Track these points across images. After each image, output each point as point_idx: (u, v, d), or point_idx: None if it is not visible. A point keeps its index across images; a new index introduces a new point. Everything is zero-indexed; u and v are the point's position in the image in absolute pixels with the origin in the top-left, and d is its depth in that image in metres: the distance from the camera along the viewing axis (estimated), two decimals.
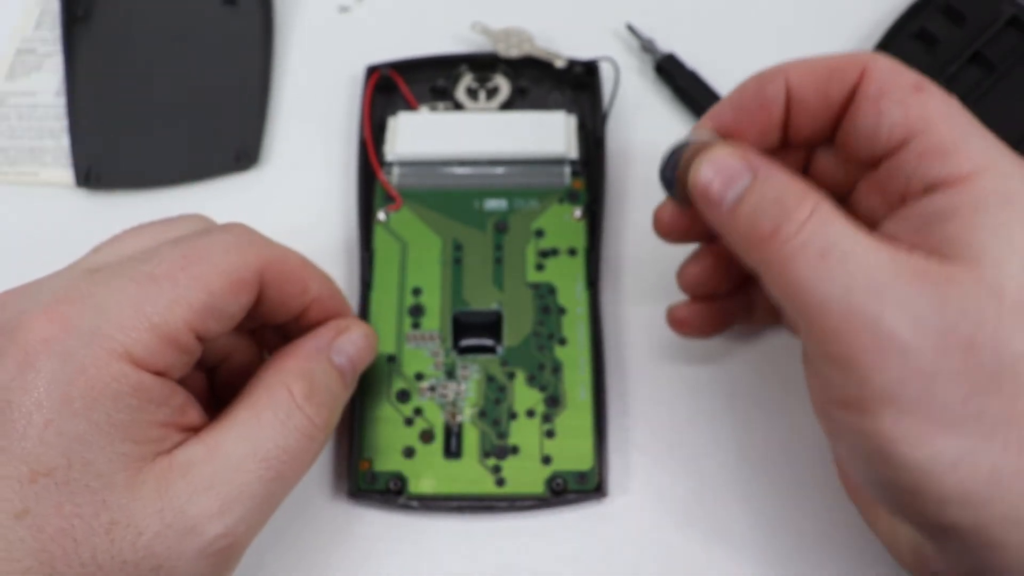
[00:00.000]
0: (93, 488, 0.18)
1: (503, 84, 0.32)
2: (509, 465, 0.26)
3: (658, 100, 0.33)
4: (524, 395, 0.27)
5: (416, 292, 0.28)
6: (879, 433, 0.18)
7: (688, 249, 0.26)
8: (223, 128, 0.32)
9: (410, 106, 0.32)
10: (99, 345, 0.18)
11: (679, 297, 0.26)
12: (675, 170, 0.23)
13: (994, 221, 0.18)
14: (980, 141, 0.19)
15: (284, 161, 0.32)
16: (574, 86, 0.32)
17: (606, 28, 0.35)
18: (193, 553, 0.19)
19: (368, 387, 0.27)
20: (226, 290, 0.20)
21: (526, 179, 0.30)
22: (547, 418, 0.26)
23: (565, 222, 0.29)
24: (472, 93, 0.32)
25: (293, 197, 0.31)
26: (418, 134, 0.31)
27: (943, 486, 0.17)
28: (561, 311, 0.28)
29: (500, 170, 0.30)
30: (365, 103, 0.31)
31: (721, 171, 0.21)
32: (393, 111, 0.32)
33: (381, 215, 0.29)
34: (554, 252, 0.29)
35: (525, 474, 0.26)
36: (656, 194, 0.24)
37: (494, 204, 0.30)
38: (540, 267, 0.28)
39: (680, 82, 0.32)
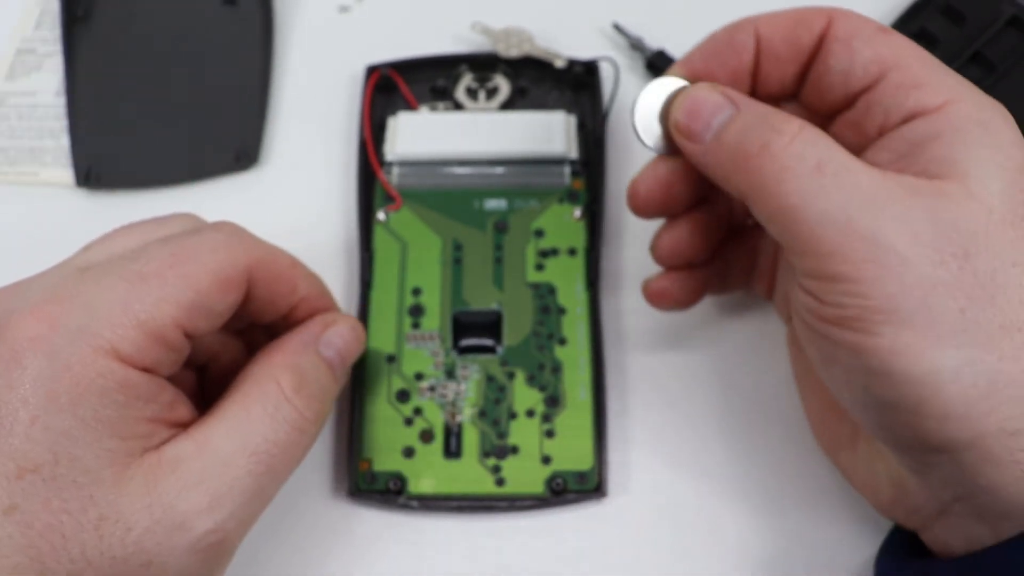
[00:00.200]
0: (80, 484, 0.18)
1: (503, 84, 0.32)
2: (509, 465, 0.26)
3: None
4: (524, 395, 0.27)
5: (416, 292, 0.28)
6: (879, 348, 0.18)
7: None
8: (223, 128, 0.32)
9: (410, 106, 0.32)
10: (85, 342, 0.18)
11: None
12: (663, 119, 0.23)
13: (974, 141, 0.19)
14: (949, 75, 0.20)
15: (284, 161, 0.32)
16: (574, 86, 0.32)
17: (595, 28, 0.35)
18: (183, 549, 0.19)
19: (368, 387, 0.27)
20: (214, 288, 0.20)
21: (526, 179, 0.30)
22: (547, 418, 0.26)
23: (565, 222, 0.29)
24: (472, 93, 0.32)
25: (293, 197, 0.31)
26: (418, 134, 0.31)
27: (944, 399, 0.18)
28: (561, 311, 0.28)
29: (500, 170, 0.30)
30: (365, 103, 0.31)
31: (702, 105, 0.21)
32: (393, 111, 0.32)
33: (381, 215, 0.29)
34: (554, 252, 0.29)
35: (525, 474, 0.26)
36: None
37: (494, 204, 0.30)
38: (540, 267, 0.28)
39: None
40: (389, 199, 0.30)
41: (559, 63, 0.32)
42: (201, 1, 0.34)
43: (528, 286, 0.28)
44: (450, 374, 0.27)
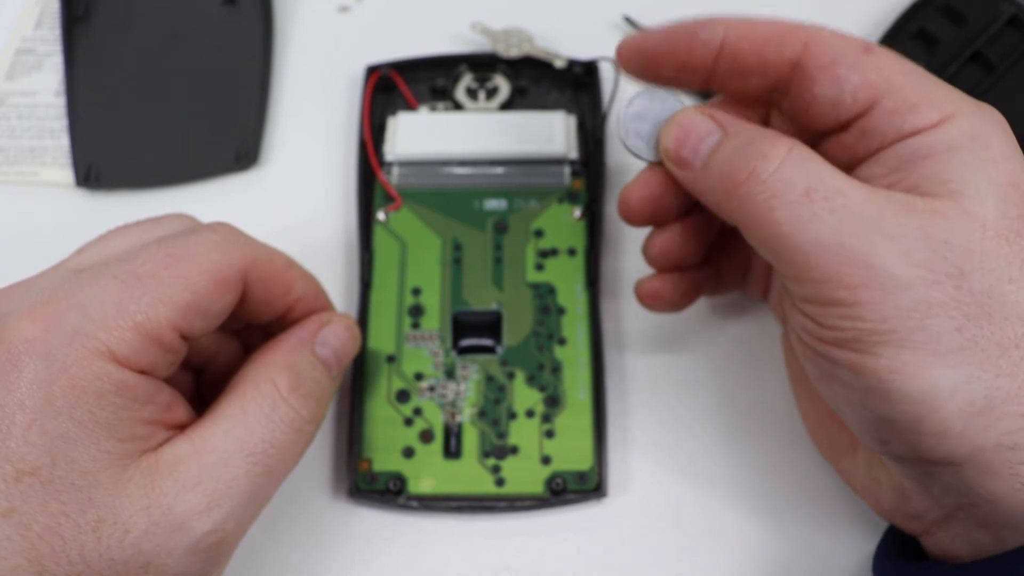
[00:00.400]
0: (79, 486, 0.18)
1: (503, 84, 0.32)
2: (509, 465, 0.26)
3: None
4: (524, 395, 0.27)
5: (416, 292, 0.28)
6: (878, 368, 0.18)
7: None
8: (223, 128, 0.32)
9: (410, 106, 0.32)
10: (81, 344, 0.18)
11: None
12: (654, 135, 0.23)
13: (969, 158, 0.19)
14: (941, 89, 0.20)
15: (284, 161, 0.32)
16: (574, 86, 0.32)
17: (604, 22, 0.35)
18: (182, 550, 0.19)
19: (368, 387, 0.27)
20: (210, 289, 0.20)
21: (526, 179, 0.30)
22: (547, 418, 0.26)
23: (565, 222, 0.29)
24: (472, 93, 0.32)
25: (293, 197, 0.31)
26: (418, 134, 0.31)
27: (942, 416, 0.18)
28: (561, 311, 0.28)
29: (500, 170, 0.30)
30: (365, 103, 0.31)
31: (689, 131, 0.21)
32: (393, 111, 0.32)
33: (381, 215, 0.29)
34: (554, 252, 0.29)
35: (525, 474, 0.26)
36: None
37: (494, 204, 0.30)
38: (540, 267, 0.28)
39: None
40: (389, 199, 0.30)
41: (559, 63, 0.32)
42: (201, 1, 0.34)
43: (528, 286, 0.28)
44: (450, 374, 0.27)
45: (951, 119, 0.19)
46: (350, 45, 0.34)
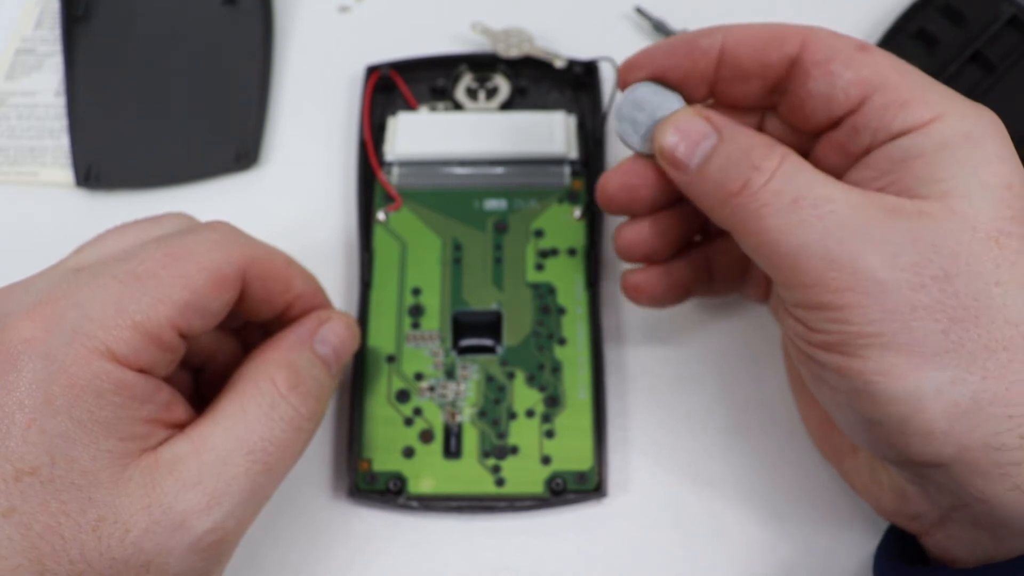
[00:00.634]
0: (78, 485, 0.18)
1: (503, 84, 0.32)
2: (509, 465, 0.26)
3: None
4: (524, 395, 0.27)
5: (416, 292, 0.28)
6: (864, 370, 0.18)
7: None
8: (223, 128, 0.32)
9: (410, 106, 0.32)
10: (80, 343, 0.18)
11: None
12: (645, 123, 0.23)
13: (959, 158, 0.19)
14: (935, 89, 0.20)
15: (284, 161, 0.32)
16: (574, 86, 0.32)
17: (616, 13, 0.35)
18: (183, 549, 0.19)
19: (368, 387, 0.27)
20: (208, 287, 0.20)
21: (526, 179, 0.30)
22: (547, 418, 0.26)
23: (565, 222, 0.29)
24: (472, 93, 0.32)
25: (293, 197, 0.31)
26: (418, 134, 0.31)
27: (927, 417, 0.18)
28: (561, 311, 0.28)
29: (500, 170, 0.30)
30: (365, 103, 0.31)
31: (686, 134, 0.21)
32: (393, 111, 0.32)
33: (381, 215, 0.29)
34: (554, 252, 0.29)
35: (525, 474, 0.26)
36: None
37: (494, 204, 0.30)
38: (540, 267, 0.28)
39: None
40: (389, 199, 0.30)
41: (559, 63, 0.32)
42: (201, 1, 0.34)
43: (528, 286, 0.28)
44: (450, 374, 0.27)
45: (943, 118, 0.19)
46: (350, 45, 0.34)
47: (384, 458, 0.26)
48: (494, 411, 0.27)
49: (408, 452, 0.26)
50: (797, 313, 0.20)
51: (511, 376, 0.27)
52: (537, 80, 0.33)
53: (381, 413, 0.27)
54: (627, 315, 0.29)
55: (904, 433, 0.18)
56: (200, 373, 0.24)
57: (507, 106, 0.32)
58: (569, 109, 0.32)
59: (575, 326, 0.28)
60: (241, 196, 0.31)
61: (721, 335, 0.28)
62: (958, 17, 0.31)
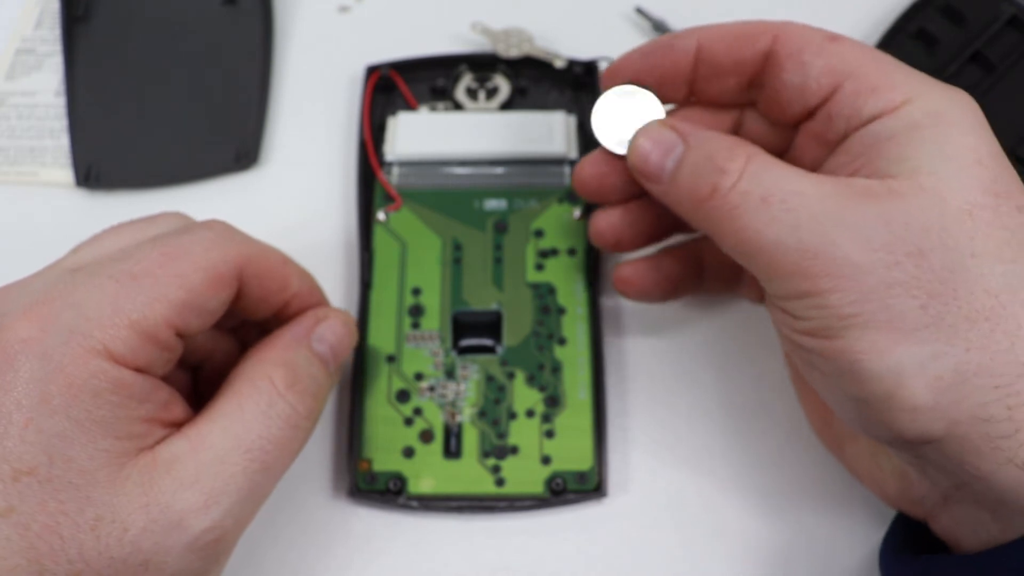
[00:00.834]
0: (76, 485, 0.18)
1: (503, 84, 0.32)
2: (509, 465, 0.26)
3: None
4: (524, 395, 0.27)
5: (416, 292, 0.28)
6: (846, 350, 0.18)
7: None
8: (223, 128, 0.32)
9: (410, 106, 0.32)
10: (77, 343, 0.18)
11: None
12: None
13: (928, 137, 0.19)
14: (905, 73, 0.20)
15: (284, 161, 0.32)
16: (574, 86, 0.32)
17: (616, 13, 0.35)
18: (181, 548, 0.19)
19: (368, 387, 0.27)
20: (205, 286, 0.20)
21: (526, 179, 0.30)
22: (547, 418, 0.26)
23: (565, 222, 0.29)
24: (472, 93, 0.32)
25: (293, 197, 0.31)
26: (418, 134, 0.31)
27: (911, 392, 0.18)
28: (561, 311, 0.28)
29: (500, 170, 0.30)
30: (365, 103, 0.31)
31: (656, 144, 0.22)
32: (393, 111, 0.32)
33: (381, 215, 0.29)
34: (554, 252, 0.29)
35: (525, 474, 0.26)
36: None
37: (494, 204, 0.30)
38: (540, 267, 0.28)
39: None
40: (389, 199, 0.30)
41: (559, 63, 0.32)
42: (201, 1, 0.34)
43: (528, 286, 0.28)
44: (450, 374, 0.27)
45: (913, 101, 0.19)
46: (350, 45, 0.34)
47: (384, 458, 0.26)
48: (494, 411, 0.27)
49: (408, 452, 0.26)
50: (781, 304, 0.20)
51: (511, 376, 0.27)
52: (537, 80, 0.33)
53: (381, 413, 0.27)
54: (627, 315, 0.29)
55: (891, 410, 0.18)
56: (197, 372, 0.24)
57: (507, 106, 0.32)
58: (569, 109, 0.32)
59: (575, 326, 0.28)
60: (241, 196, 0.31)
61: (721, 335, 0.28)
62: (958, 17, 0.31)
